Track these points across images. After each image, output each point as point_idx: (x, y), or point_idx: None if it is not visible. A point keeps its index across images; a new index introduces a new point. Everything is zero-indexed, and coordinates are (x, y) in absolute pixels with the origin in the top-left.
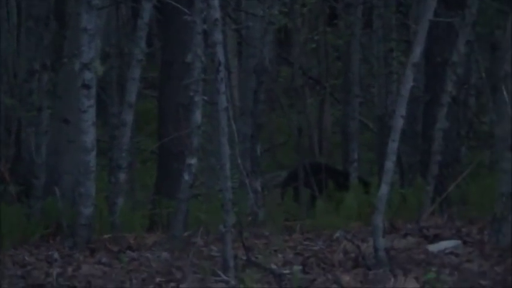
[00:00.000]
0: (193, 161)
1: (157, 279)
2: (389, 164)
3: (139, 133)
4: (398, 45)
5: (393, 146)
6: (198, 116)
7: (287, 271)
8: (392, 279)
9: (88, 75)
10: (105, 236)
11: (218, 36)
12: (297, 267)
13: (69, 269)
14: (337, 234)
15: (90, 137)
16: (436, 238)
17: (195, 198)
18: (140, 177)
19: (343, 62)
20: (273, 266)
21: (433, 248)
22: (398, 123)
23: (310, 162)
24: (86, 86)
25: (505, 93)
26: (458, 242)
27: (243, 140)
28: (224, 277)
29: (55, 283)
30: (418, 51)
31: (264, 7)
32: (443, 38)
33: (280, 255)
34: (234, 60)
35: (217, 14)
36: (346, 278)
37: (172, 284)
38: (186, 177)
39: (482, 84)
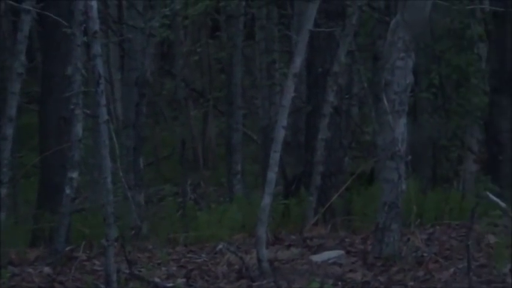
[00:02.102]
0: (74, 174)
1: None
2: (272, 175)
3: (23, 148)
4: (281, 56)
5: (275, 156)
6: (79, 129)
7: (171, 284)
8: None
9: None
10: None
11: (98, 49)
12: (181, 280)
13: None
14: (220, 246)
15: None
16: (320, 248)
17: (78, 212)
18: (24, 192)
19: (226, 74)
20: (156, 279)
21: (317, 258)
22: (280, 133)
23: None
24: None
25: (385, 102)
26: (342, 252)
27: (127, 153)
28: None
29: None
30: (298, 61)
31: (145, 19)
32: (324, 48)
33: (163, 268)
34: (117, 74)
35: (96, 26)
36: None
37: None
38: (68, 191)
39: (365, 94)
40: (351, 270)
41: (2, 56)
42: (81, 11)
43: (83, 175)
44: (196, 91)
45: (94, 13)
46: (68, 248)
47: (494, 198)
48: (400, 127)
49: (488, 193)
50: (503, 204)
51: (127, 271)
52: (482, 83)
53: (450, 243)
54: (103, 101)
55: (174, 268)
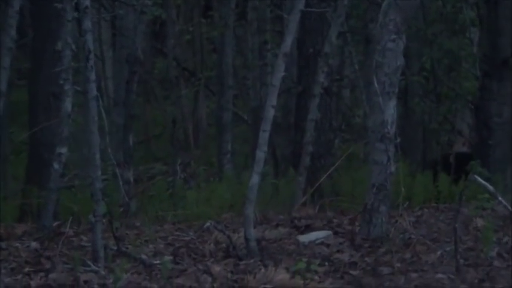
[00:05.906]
0: (63, 150)
1: (26, 269)
2: (261, 154)
3: (13, 124)
4: (272, 37)
5: (264, 136)
6: (68, 104)
7: (157, 261)
8: (263, 269)
9: None
10: None
11: (88, 24)
12: (168, 258)
13: None
14: (207, 225)
15: None
16: (307, 229)
17: (67, 189)
18: (13, 168)
19: (218, 54)
20: (144, 256)
21: (304, 238)
22: (270, 113)
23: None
24: None
25: (376, 84)
26: (329, 232)
27: (117, 131)
28: (94, 267)
29: None
30: (289, 41)
31: None
32: (315, 29)
33: (151, 246)
34: (109, 51)
35: (87, 1)
36: (216, 268)
37: (41, 274)
38: (56, 166)
39: (356, 77)
40: (338, 251)
41: None
42: None
43: (73, 152)
44: (187, 70)
45: None
46: (55, 224)
47: (483, 182)
48: (390, 109)
49: (476, 176)
50: (491, 188)
51: (114, 247)
52: (473, 67)
53: (438, 225)
54: (92, 77)
55: (162, 245)
